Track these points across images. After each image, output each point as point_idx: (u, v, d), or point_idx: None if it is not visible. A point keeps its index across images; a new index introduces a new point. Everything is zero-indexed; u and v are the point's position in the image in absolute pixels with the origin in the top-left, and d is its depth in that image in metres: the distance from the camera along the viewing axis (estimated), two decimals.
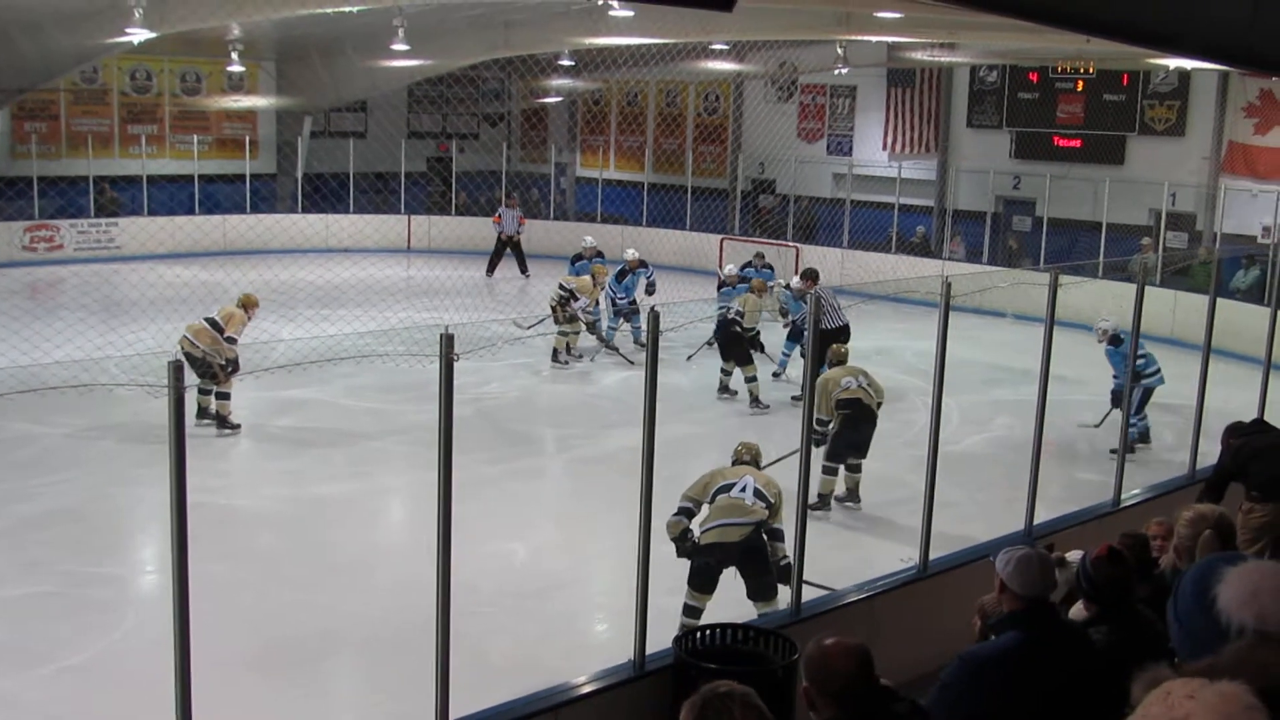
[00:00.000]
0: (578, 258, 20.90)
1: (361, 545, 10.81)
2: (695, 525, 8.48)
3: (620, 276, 19.19)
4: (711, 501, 8.44)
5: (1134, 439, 13.82)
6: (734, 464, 8.88)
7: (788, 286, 17.44)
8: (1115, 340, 13.75)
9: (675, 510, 8.37)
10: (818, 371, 14.64)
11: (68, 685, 8.14)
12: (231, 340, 13.83)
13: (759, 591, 8.31)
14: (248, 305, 14.37)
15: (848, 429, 11.59)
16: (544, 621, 9.37)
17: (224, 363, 13.55)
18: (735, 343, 16.01)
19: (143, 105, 28.68)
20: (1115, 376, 13.84)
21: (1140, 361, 13.63)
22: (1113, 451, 13.42)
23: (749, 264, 21.43)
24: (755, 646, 6.76)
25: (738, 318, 16.02)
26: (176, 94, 29.00)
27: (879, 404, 12.02)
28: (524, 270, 26.61)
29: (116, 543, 10.94)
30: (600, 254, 20.68)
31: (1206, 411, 10.57)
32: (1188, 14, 4.60)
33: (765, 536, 8.38)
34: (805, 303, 16.01)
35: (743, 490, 8.36)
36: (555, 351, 17.85)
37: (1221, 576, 3.20)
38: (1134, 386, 13.69)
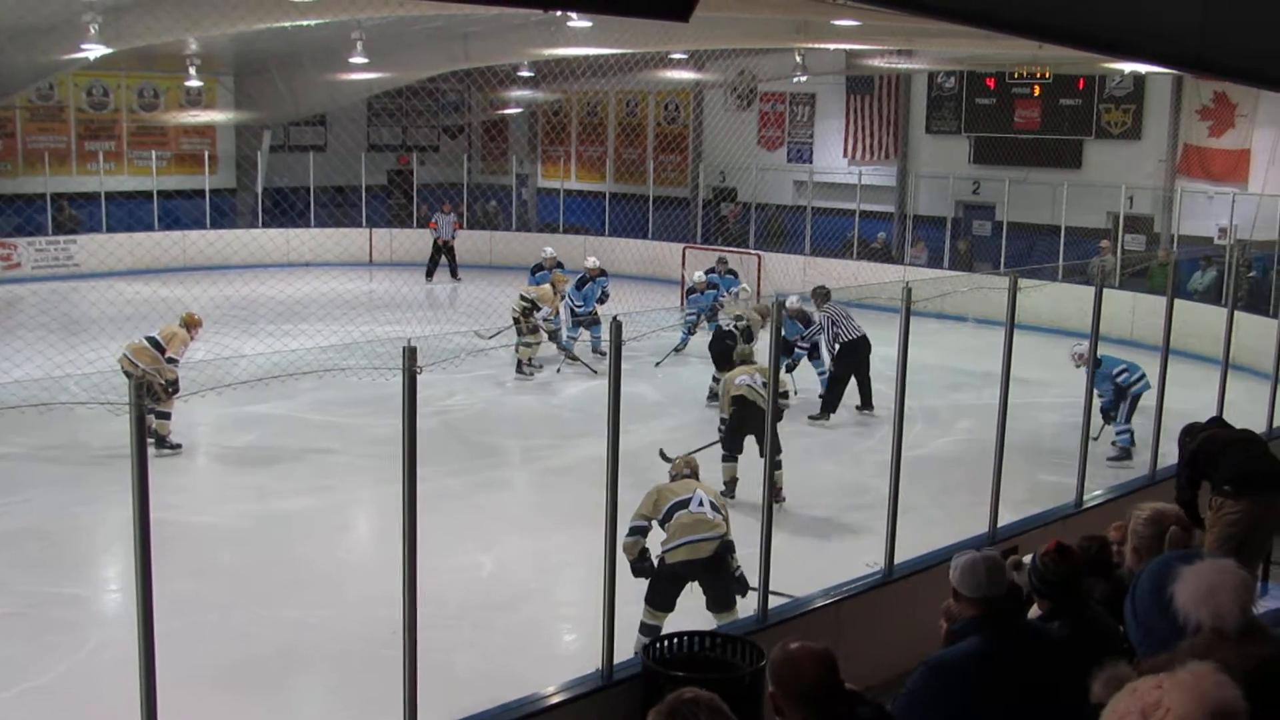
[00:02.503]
0: (538, 268, 20.78)
1: (327, 560, 10.77)
2: (654, 544, 8.43)
3: (580, 285, 19.17)
4: (666, 519, 8.33)
5: (1126, 445, 13.90)
6: (673, 479, 8.79)
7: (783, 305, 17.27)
8: (1096, 363, 13.91)
9: (628, 531, 8.23)
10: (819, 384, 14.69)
11: (31, 707, 8.07)
12: (172, 360, 13.59)
13: (720, 604, 8.31)
14: (190, 325, 14.17)
15: (734, 423, 12.21)
16: (511, 633, 9.36)
17: (164, 383, 13.33)
18: (727, 355, 15.90)
19: (100, 121, 28.48)
20: (1101, 395, 13.93)
21: (1123, 375, 13.78)
22: (1110, 460, 13.65)
23: (712, 269, 21.46)
24: (722, 653, 6.78)
25: (735, 331, 15.93)
26: (134, 110, 28.81)
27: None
28: (454, 275, 27.18)
29: (79, 562, 10.86)
30: (560, 264, 20.63)
31: (1166, 412, 10.66)
32: (1138, 21, 4.65)
33: None
34: (799, 322, 16.07)
35: (700, 505, 8.29)
36: (519, 363, 17.79)
37: (1178, 575, 3.25)
38: (1121, 399, 13.83)
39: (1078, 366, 13.96)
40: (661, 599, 8.27)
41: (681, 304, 22.63)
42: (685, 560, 8.21)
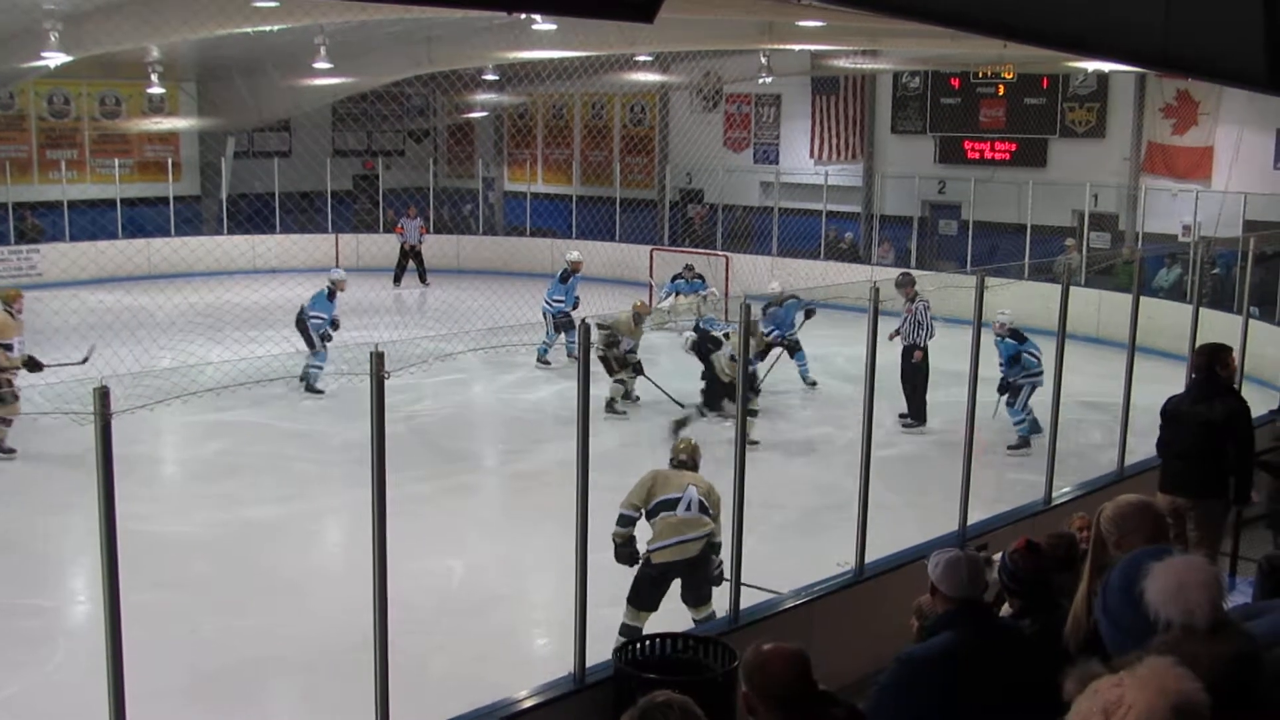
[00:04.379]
0: (565, 275, 19.11)
1: (296, 568, 10.71)
2: (641, 542, 8.49)
3: (564, 279, 18.95)
4: (652, 514, 8.42)
5: (1025, 435, 14.13)
6: (672, 464, 8.85)
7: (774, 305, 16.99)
8: (1016, 335, 14.18)
9: (618, 519, 8.38)
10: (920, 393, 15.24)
11: None
12: (7, 346, 13.39)
13: (698, 599, 8.46)
14: (8, 301, 13.89)
15: None
16: (483, 638, 9.33)
17: (16, 368, 13.09)
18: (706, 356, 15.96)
19: (61, 130, 28.28)
20: (1000, 365, 14.35)
21: (1025, 358, 14.08)
22: (1010, 448, 14.14)
23: (679, 275, 21.43)
24: (694, 655, 6.77)
25: (723, 337, 15.90)
26: (96, 117, 28.62)
27: None
28: (423, 279, 27.05)
29: (45, 573, 10.77)
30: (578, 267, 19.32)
31: (1133, 408, 10.71)
32: (1101, 18, 4.67)
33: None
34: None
35: (689, 509, 8.35)
36: (611, 402, 15.93)
37: (1148, 571, 3.26)
38: (1021, 384, 14.07)
39: (997, 334, 14.21)
40: (646, 599, 8.38)
41: (650, 301, 22.56)
42: (673, 561, 8.34)
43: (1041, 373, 14.15)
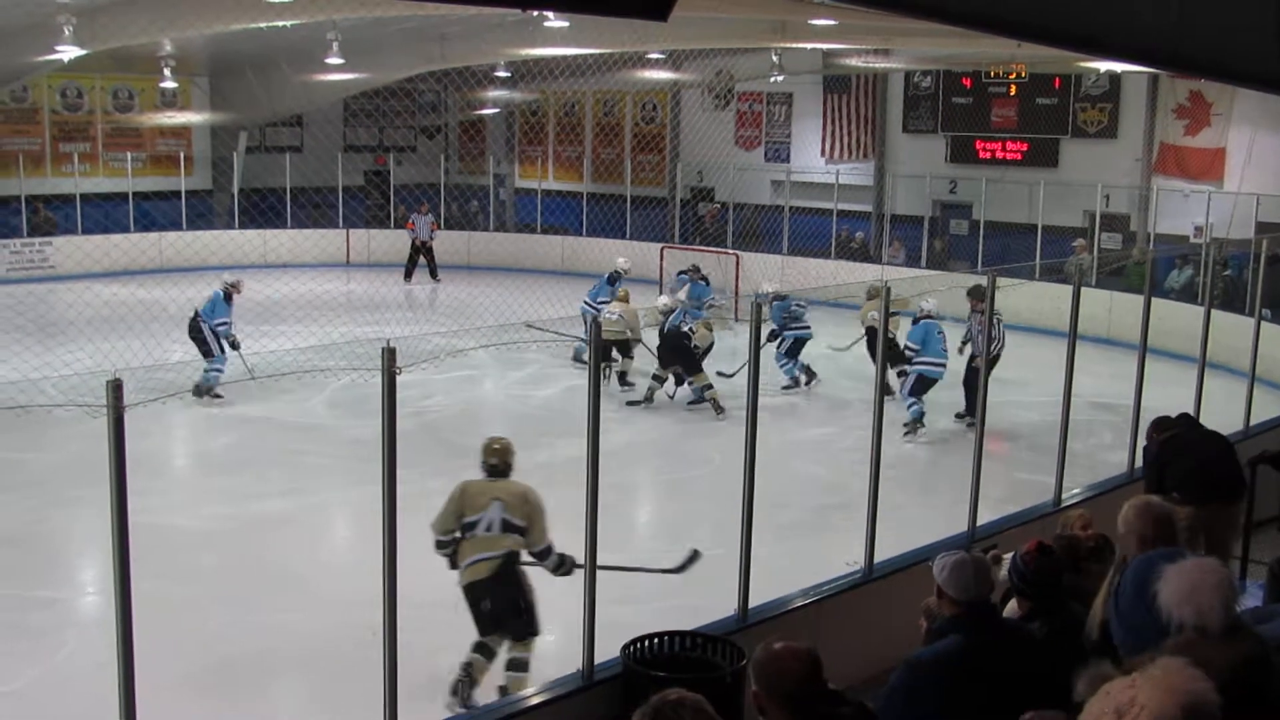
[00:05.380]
0: (614, 277, 18.92)
1: (306, 562, 10.72)
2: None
3: (611, 281, 18.68)
4: (463, 535, 8.08)
5: (916, 416, 14.51)
6: (483, 467, 8.35)
7: (779, 298, 16.74)
8: (927, 318, 14.72)
9: (435, 544, 8.13)
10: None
11: (6, 712, 8.01)
12: None
13: (514, 631, 8.08)
14: None
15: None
16: None
17: None
18: (683, 352, 15.93)
19: (74, 123, 28.35)
20: (908, 347, 14.71)
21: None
22: (904, 425, 14.53)
23: (683, 272, 21.31)
24: (703, 653, 6.77)
25: (689, 332, 15.94)
26: (109, 111, 28.70)
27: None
28: (434, 275, 27.18)
29: (55, 565, 10.79)
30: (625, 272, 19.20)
31: (1144, 410, 10.68)
32: (1112, 18, 4.66)
33: (528, 562, 8.16)
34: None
35: (489, 529, 8.02)
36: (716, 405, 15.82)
37: (1161, 574, 3.26)
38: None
39: (917, 318, 14.76)
40: (478, 624, 8.05)
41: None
42: (470, 582, 8.03)
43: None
